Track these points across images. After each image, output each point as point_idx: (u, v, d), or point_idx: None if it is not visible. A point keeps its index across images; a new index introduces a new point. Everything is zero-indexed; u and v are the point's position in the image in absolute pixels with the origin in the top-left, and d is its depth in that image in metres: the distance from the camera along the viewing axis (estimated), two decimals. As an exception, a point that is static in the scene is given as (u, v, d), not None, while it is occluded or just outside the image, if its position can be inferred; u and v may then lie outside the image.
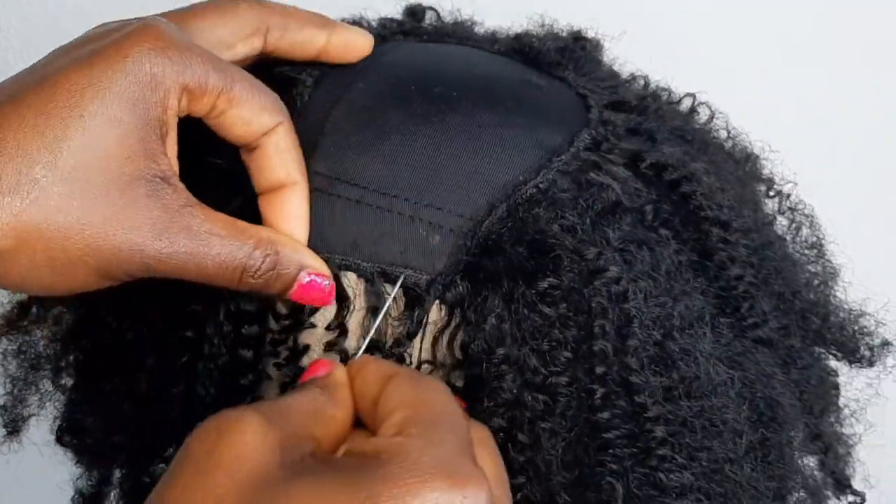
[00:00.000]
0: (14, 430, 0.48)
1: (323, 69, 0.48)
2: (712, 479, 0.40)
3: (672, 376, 0.40)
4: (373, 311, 0.43)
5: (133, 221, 0.37)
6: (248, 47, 0.46)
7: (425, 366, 0.43)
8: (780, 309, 0.47)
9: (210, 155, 0.45)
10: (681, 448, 0.40)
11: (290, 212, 0.42)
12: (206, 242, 0.39)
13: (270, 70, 0.48)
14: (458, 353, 0.42)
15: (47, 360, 0.47)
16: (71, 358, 0.47)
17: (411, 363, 0.43)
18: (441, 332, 0.43)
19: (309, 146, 0.44)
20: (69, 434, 0.47)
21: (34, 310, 0.46)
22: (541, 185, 0.44)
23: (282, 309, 0.43)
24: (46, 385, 0.46)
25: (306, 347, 0.43)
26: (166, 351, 0.44)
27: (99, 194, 0.37)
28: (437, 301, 0.42)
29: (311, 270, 0.41)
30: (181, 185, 0.39)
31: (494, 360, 0.41)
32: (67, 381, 0.47)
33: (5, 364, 0.46)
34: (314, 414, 0.36)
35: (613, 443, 0.40)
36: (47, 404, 0.47)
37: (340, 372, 0.40)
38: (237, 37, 0.45)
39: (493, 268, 0.42)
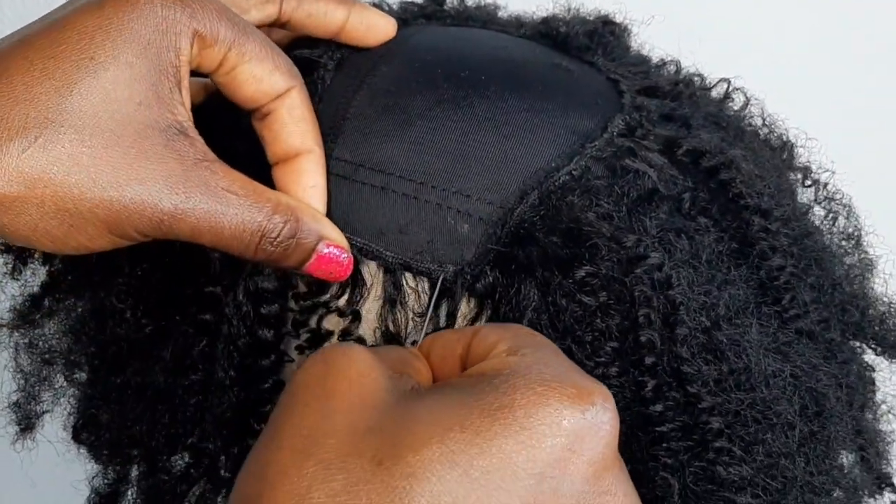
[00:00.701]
0: (27, 426, 0.47)
1: (344, 52, 0.47)
2: (768, 473, 0.39)
3: (722, 367, 0.39)
4: (391, 302, 0.41)
5: (146, 172, 0.35)
6: (262, 13, 0.44)
7: None
8: (819, 301, 0.45)
9: (226, 138, 0.43)
10: (737, 440, 0.38)
11: (307, 181, 0.41)
12: (223, 201, 0.37)
13: (291, 52, 0.47)
14: None
15: (60, 355, 0.45)
16: (84, 351, 0.45)
17: None
18: (472, 323, 0.41)
19: (330, 131, 0.43)
20: (85, 431, 0.46)
21: (46, 302, 0.45)
22: (574, 172, 0.42)
23: (301, 289, 0.42)
24: (60, 380, 0.45)
25: (329, 333, 0.42)
26: (183, 337, 0.42)
27: (110, 141, 0.35)
28: (466, 293, 0.41)
29: (330, 242, 0.40)
30: (198, 137, 0.38)
31: None
32: (81, 376, 0.45)
33: (17, 358, 0.44)
34: (406, 359, 0.36)
35: (667, 436, 0.39)
36: (61, 400, 0.45)
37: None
38: (251, 1, 0.43)
39: (527, 257, 0.40)
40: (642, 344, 0.38)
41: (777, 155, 0.49)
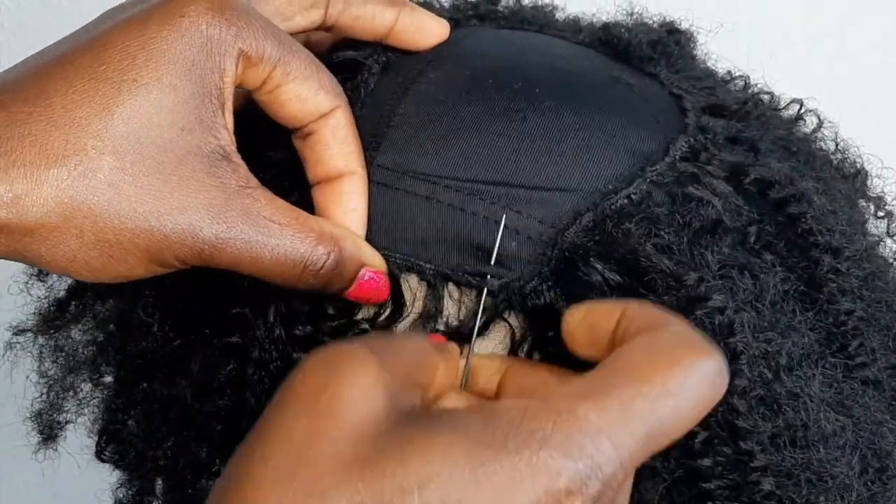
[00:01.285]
0: (50, 436, 0.45)
1: (390, 55, 0.44)
2: None
3: (779, 422, 0.36)
4: (429, 315, 0.39)
5: (188, 200, 0.34)
6: (307, 19, 0.42)
7: None
8: (887, 346, 0.42)
9: (266, 148, 0.41)
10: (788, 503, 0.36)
11: (348, 204, 0.39)
12: (265, 231, 0.35)
13: (334, 53, 0.44)
14: None
15: (86, 363, 0.44)
16: (110, 362, 0.44)
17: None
18: (519, 344, 0.39)
19: (373, 138, 0.41)
20: (108, 449, 0.44)
21: (72, 307, 0.43)
22: (633, 197, 0.40)
23: (331, 308, 0.40)
24: (84, 389, 0.43)
25: None
26: (209, 359, 0.41)
27: (151, 169, 0.34)
28: (511, 310, 0.39)
29: (371, 268, 0.38)
30: (241, 163, 0.36)
31: None
32: (106, 384, 0.44)
33: (42, 364, 0.43)
34: (418, 361, 0.33)
35: (714, 494, 0.36)
36: (85, 411, 0.43)
37: (453, 345, 0.37)
38: (296, 7, 0.42)
39: (581, 281, 0.38)
40: None
41: (849, 183, 0.46)
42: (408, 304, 0.40)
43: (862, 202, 0.47)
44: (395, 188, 0.40)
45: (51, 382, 0.43)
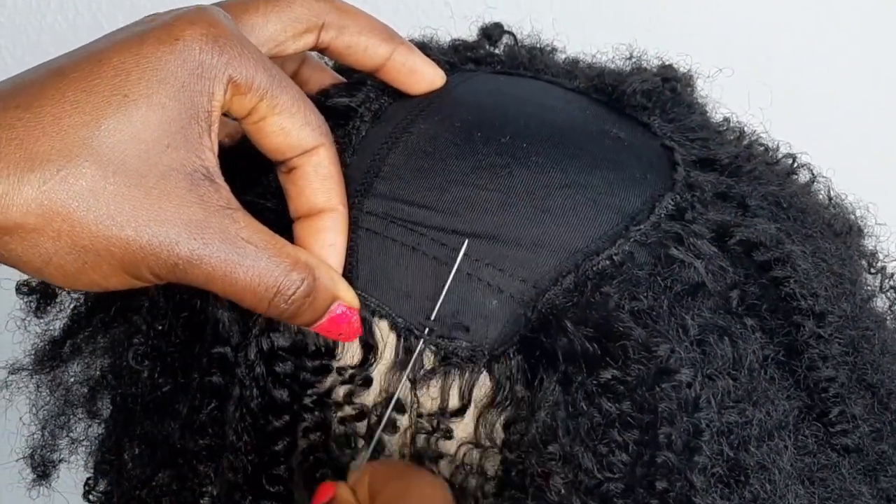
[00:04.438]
0: (44, 474, 0.46)
1: (383, 102, 0.44)
2: None
3: (743, 494, 0.36)
4: (401, 365, 0.40)
5: (167, 214, 0.35)
6: (300, 44, 0.43)
7: (465, 447, 0.40)
8: (872, 410, 0.42)
9: (249, 192, 0.42)
10: None
11: (326, 239, 0.40)
12: (241, 251, 0.36)
13: (328, 98, 0.45)
14: (499, 433, 0.39)
15: (81, 401, 0.45)
16: (102, 402, 0.44)
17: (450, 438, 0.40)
18: (486, 408, 0.39)
19: (362, 186, 0.41)
20: (95, 487, 0.45)
21: (66, 347, 0.44)
22: (615, 258, 0.40)
23: (311, 346, 0.40)
24: (78, 429, 0.44)
25: (335, 402, 0.41)
26: (192, 400, 0.41)
27: (133, 181, 0.34)
28: (484, 372, 0.39)
29: (344, 303, 0.39)
30: (224, 185, 0.37)
31: (545, 456, 0.37)
32: (97, 429, 0.45)
33: (37, 399, 0.44)
34: None
35: None
36: (78, 450, 0.44)
37: (343, 491, 0.38)
38: (288, 34, 0.42)
39: (553, 346, 0.38)
40: (657, 465, 0.36)
41: (841, 240, 0.46)
42: (379, 350, 0.40)
43: (859, 260, 0.47)
44: (382, 235, 0.40)
45: (47, 419, 0.44)
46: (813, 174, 0.47)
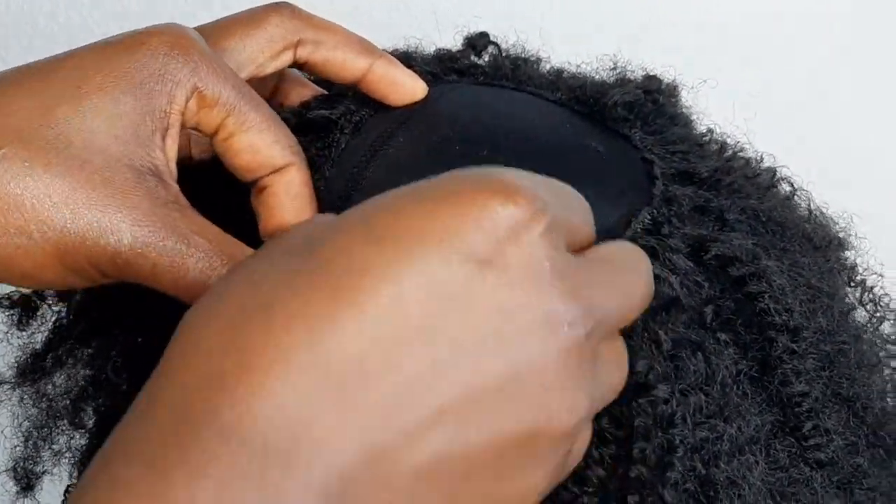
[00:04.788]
0: (27, 486, 0.47)
1: (364, 114, 0.45)
2: None
3: None
4: None
5: (109, 200, 0.34)
6: (278, 62, 0.44)
7: None
8: (848, 423, 0.42)
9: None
10: None
11: None
12: (191, 243, 0.35)
13: (308, 110, 0.45)
14: None
15: (65, 412, 0.45)
16: (87, 415, 0.45)
17: None
18: None
19: (340, 197, 0.41)
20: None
21: (48, 360, 0.44)
22: None
23: None
24: (61, 441, 0.44)
25: None
26: None
27: (76, 166, 0.34)
28: None
29: None
30: (173, 183, 0.36)
31: None
32: (80, 441, 0.45)
33: (23, 410, 0.44)
34: None
35: None
36: (62, 462, 0.45)
37: None
38: (266, 54, 0.43)
39: None
40: (630, 479, 0.36)
41: (820, 253, 0.46)
42: None
43: (839, 274, 0.47)
44: None
45: (30, 430, 0.45)
46: (793, 187, 0.47)
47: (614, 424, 0.37)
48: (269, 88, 0.46)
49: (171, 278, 0.35)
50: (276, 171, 0.39)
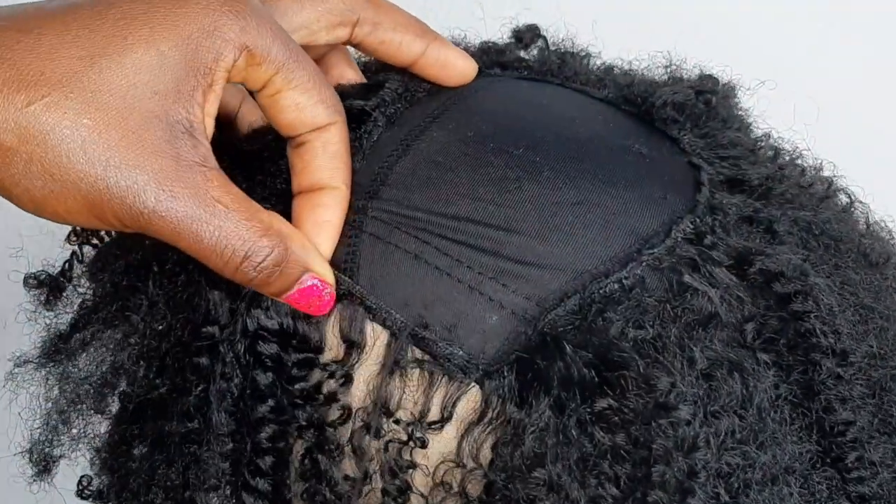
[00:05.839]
0: (44, 469, 0.47)
1: (399, 107, 0.43)
2: None
3: None
4: (390, 370, 0.38)
5: (139, 160, 0.34)
6: (332, 36, 0.43)
7: (446, 465, 0.38)
8: (899, 456, 0.39)
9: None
10: None
11: (321, 215, 0.39)
12: (210, 209, 0.35)
13: (343, 99, 0.44)
14: (486, 454, 0.38)
15: (89, 396, 0.45)
16: (110, 400, 0.44)
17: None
18: (472, 426, 0.38)
19: (369, 191, 0.40)
20: (88, 487, 0.45)
21: (73, 341, 0.44)
22: (625, 281, 0.38)
23: (301, 328, 0.39)
24: (80, 425, 0.44)
25: (324, 393, 0.39)
26: (181, 383, 0.41)
27: (113, 121, 0.34)
28: (475, 387, 0.38)
29: (315, 275, 0.38)
30: (205, 144, 0.36)
31: (531, 482, 0.36)
32: (99, 426, 0.45)
33: (46, 392, 0.44)
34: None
35: None
36: (79, 446, 0.45)
37: None
38: (322, 24, 0.43)
39: (548, 369, 0.36)
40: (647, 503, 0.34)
41: (878, 271, 0.43)
42: (367, 349, 0.39)
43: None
44: (385, 241, 0.39)
45: (50, 413, 0.44)
46: (851, 199, 0.44)
47: (632, 443, 0.35)
48: (316, 56, 0.45)
49: (189, 240, 0.35)
50: (318, 128, 0.39)
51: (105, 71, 0.35)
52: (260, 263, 0.36)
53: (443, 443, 0.38)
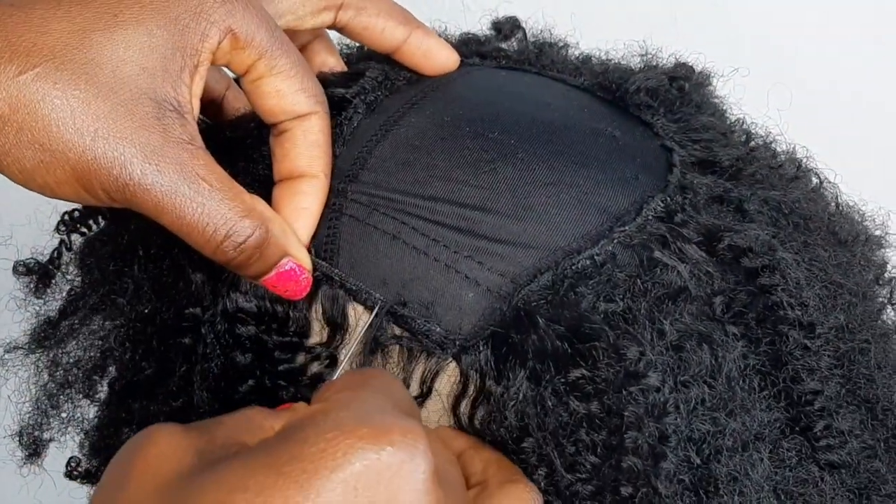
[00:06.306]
0: (34, 452, 0.47)
1: (379, 95, 0.44)
2: None
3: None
4: (371, 349, 0.39)
5: (126, 133, 0.35)
6: (318, 20, 0.44)
7: None
8: (866, 426, 0.40)
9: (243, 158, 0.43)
10: None
11: (301, 203, 0.40)
12: (194, 186, 0.36)
13: (324, 87, 0.45)
14: (477, 427, 0.39)
15: (78, 382, 0.46)
16: (99, 385, 0.45)
17: None
18: (459, 398, 0.39)
19: (349, 175, 0.42)
20: (77, 467, 0.46)
21: (62, 327, 0.45)
22: (596, 258, 0.39)
23: (283, 322, 0.40)
24: (68, 409, 0.45)
25: (309, 372, 0.40)
26: (165, 365, 0.42)
27: (103, 94, 0.35)
28: (452, 362, 0.38)
29: (293, 259, 0.39)
30: (192, 123, 0.37)
31: (521, 453, 0.37)
32: (88, 410, 0.46)
33: (37, 377, 0.45)
34: (246, 423, 0.33)
35: None
36: (68, 429, 0.45)
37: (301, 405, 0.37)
38: (307, 8, 0.43)
39: (522, 342, 0.37)
40: (623, 469, 0.35)
41: (846, 249, 0.44)
42: (350, 329, 0.40)
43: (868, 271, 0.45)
44: (364, 223, 0.40)
45: (40, 398, 0.45)
46: (819, 179, 0.45)
47: (605, 411, 0.36)
48: (300, 44, 0.46)
49: (171, 216, 0.36)
50: (299, 117, 0.40)
51: (96, 45, 0.35)
52: (241, 244, 0.37)
53: (434, 418, 0.39)
